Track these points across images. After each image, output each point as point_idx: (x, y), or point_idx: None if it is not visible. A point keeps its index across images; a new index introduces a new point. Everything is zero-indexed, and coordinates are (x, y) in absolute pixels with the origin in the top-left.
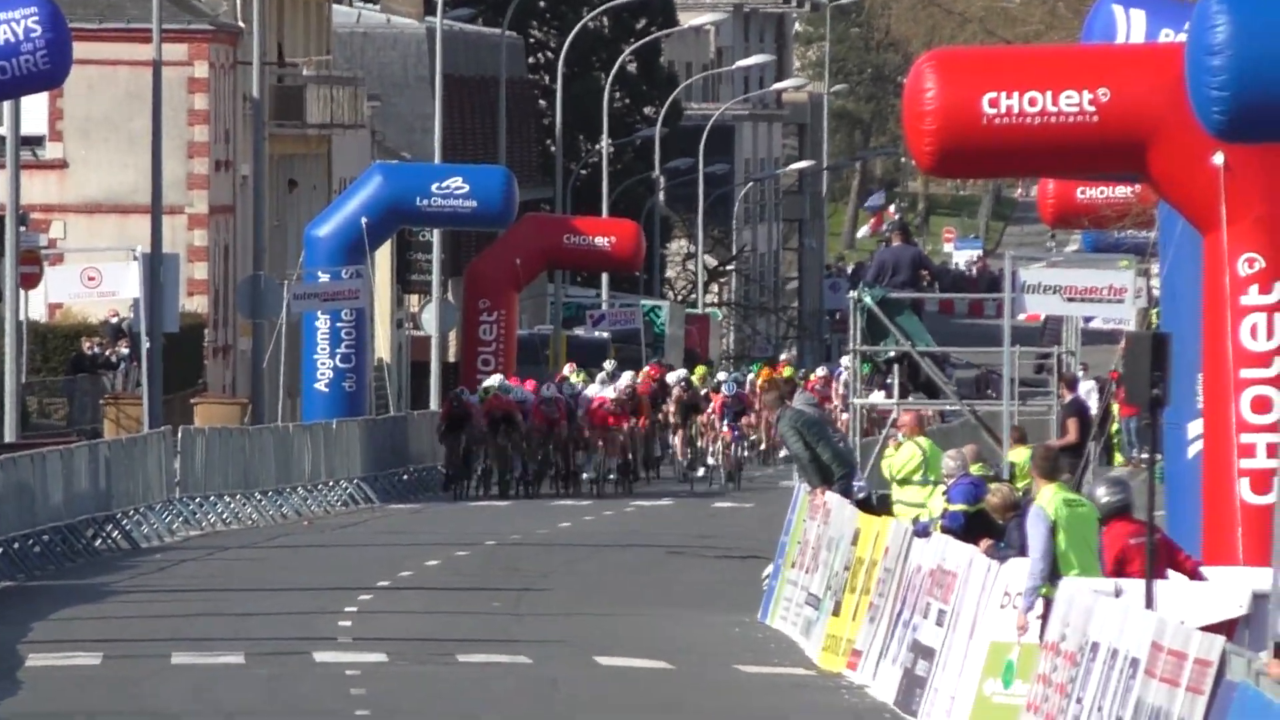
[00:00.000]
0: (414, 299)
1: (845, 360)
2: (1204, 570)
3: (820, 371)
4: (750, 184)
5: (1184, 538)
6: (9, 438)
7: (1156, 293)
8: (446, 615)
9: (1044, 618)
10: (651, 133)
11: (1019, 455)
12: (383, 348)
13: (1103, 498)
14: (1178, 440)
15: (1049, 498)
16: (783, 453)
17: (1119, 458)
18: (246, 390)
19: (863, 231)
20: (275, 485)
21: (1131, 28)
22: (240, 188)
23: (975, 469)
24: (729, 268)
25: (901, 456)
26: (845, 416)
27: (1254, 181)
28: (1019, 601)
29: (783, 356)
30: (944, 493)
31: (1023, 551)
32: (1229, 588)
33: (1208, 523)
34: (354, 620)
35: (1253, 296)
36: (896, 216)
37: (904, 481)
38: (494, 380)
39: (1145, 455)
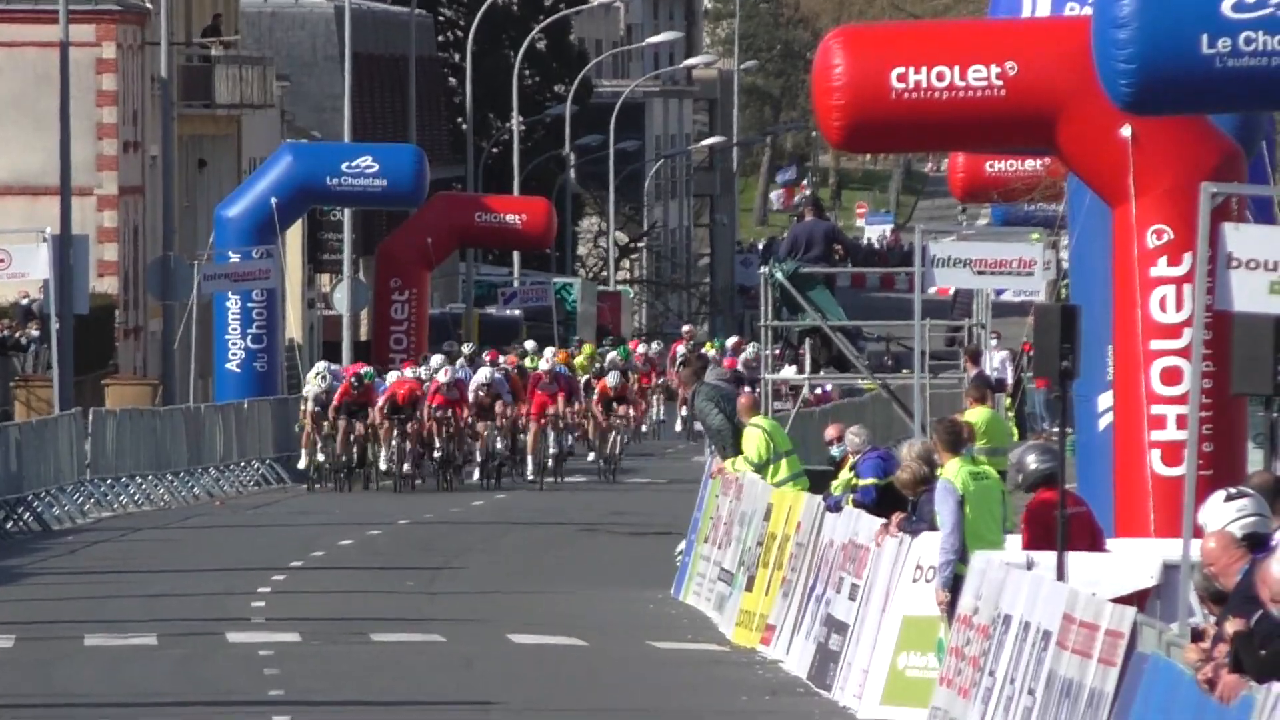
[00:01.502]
0: (325, 278)
1: (746, 344)
2: (1118, 542)
3: (646, 347)
4: (661, 160)
5: (1095, 510)
6: None
7: (1066, 265)
8: (360, 595)
9: (953, 593)
10: (562, 110)
11: (977, 415)
12: (294, 328)
13: (1031, 464)
14: (1088, 412)
15: (955, 471)
16: (697, 426)
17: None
18: (158, 371)
19: (774, 204)
20: (187, 466)
21: (1037, 2)
22: (149, 169)
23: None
24: (640, 244)
25: (749, 443)
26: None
27: (1162, 154)
28: (932, 576)
29: (685, 328)
30: (851, 467)
31: (933, 525)
32: (1140, 559)
33: (1119, 495)
34: (267, 600)
35: (1162, 268)
36: (809, 191)
37: (762, 467)
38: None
39: (1056, 428)
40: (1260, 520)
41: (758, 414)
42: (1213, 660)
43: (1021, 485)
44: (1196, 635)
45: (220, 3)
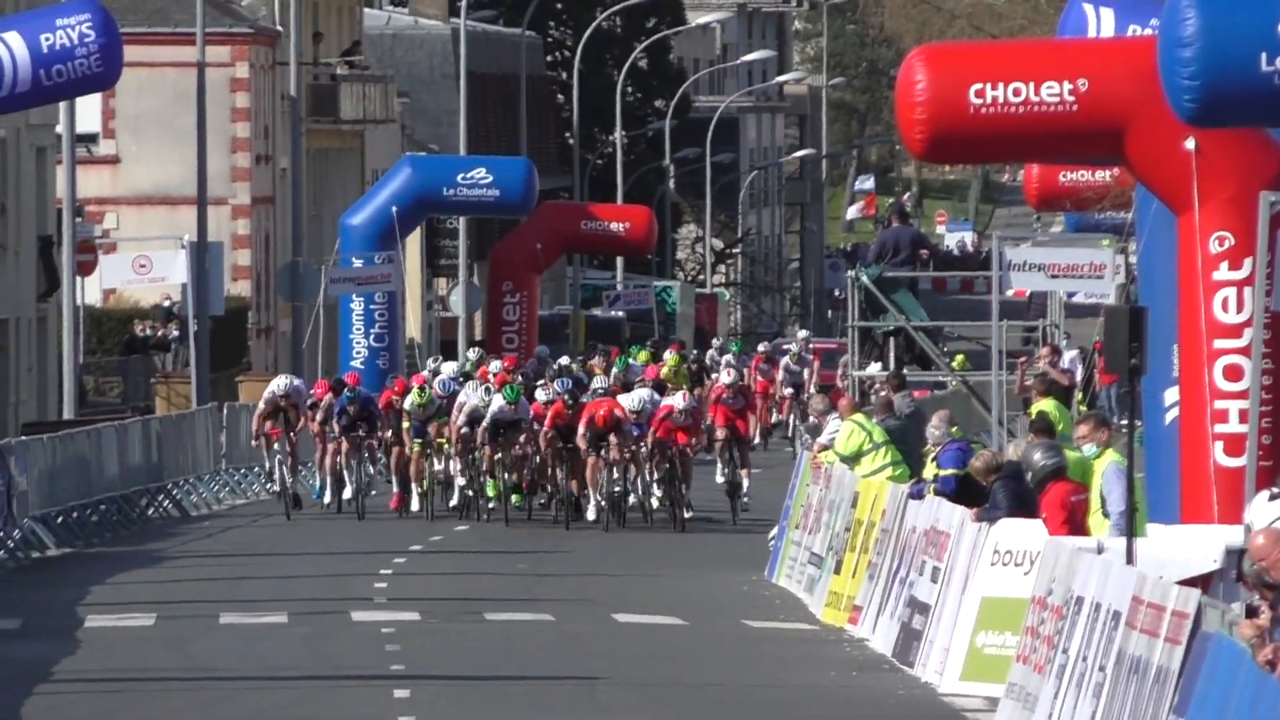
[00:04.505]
0: (442, 282)
1: (791, 344)
2: (1183, 528)
3: (762, 347)
4: (754, 171)
5: (1162, 498)
6: (68, 414)
7: (1134, 269)
8: (475, 576)
9: None
10: (662, 125)
11: (1047, 405)
12: (413, 328)
13: (1039, 461)
14: (1155, 406)
15: (1116, 458)
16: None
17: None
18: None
19: (853, 213)
20: (315, 457)
21: (1101, 24)
22: (280, 180)
23: (954, 432)
24: (735, 250)
25: (843, 436)
26: (788, 393)
27: (1224, 164)
28: (1009, 560)
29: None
30: (933, 459)
31: (1010, 512)
32: (1204, 544)
33: (1185, 484)
34: (389, 582)
35: (1224, 272)
36: (907, 199)
37: (855, 458)
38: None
39: (1125, 421)
40: None
41: (856, 412)
42: (1273, 643)
43: (1031, 480)
44: (1251, 611)
45: (345, 26)
